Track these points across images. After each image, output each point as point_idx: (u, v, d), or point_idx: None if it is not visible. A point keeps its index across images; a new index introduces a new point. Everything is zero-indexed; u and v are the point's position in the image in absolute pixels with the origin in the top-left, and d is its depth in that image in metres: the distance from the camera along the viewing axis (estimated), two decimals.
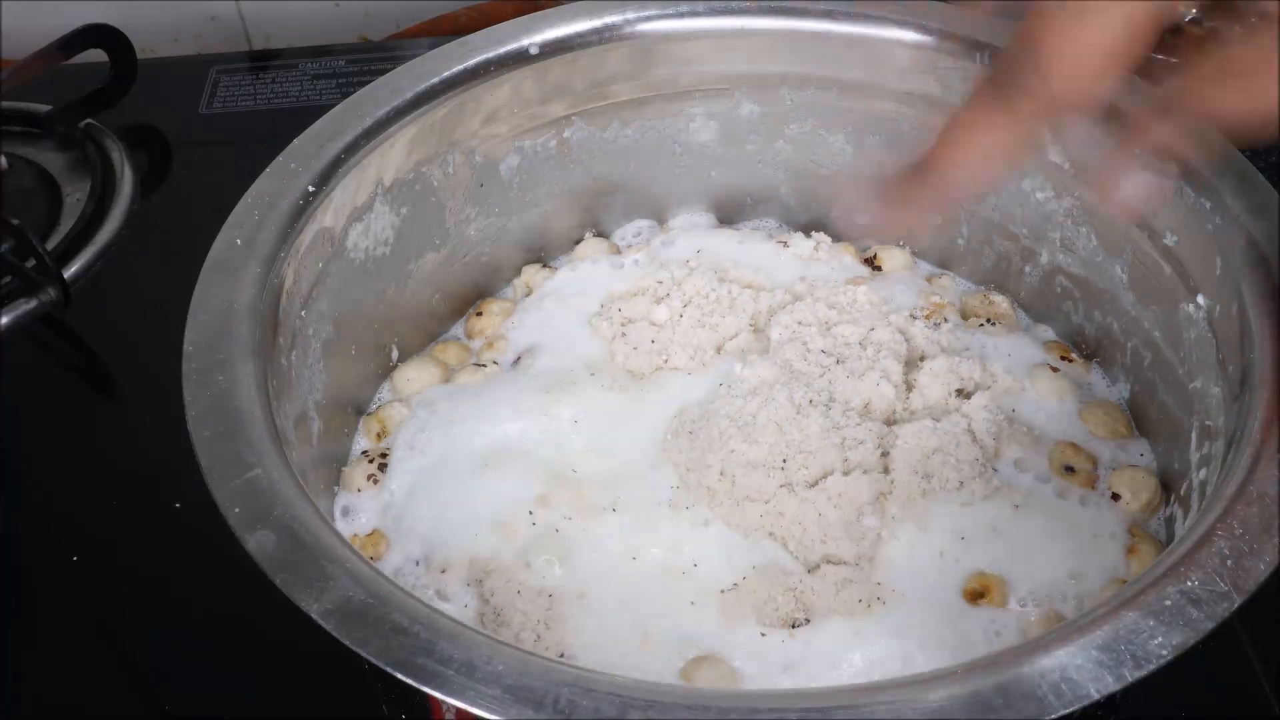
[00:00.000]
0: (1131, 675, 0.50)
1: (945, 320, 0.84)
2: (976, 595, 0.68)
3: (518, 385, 0.80)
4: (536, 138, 0.87)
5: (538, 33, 0.83)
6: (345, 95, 0.79)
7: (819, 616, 0.68)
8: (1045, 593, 0.69)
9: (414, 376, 0.83)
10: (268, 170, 0.74)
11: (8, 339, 0.91)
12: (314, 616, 0.53)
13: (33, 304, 0.92)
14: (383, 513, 0.75)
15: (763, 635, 0.67)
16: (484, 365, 0.84)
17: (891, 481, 0.73)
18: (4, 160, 1.08)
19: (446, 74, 0.80)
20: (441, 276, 0.87)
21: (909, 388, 0.79)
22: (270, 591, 0.54)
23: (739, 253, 0.89)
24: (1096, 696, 0.49)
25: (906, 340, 0.81)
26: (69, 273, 0.98)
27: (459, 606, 0.69)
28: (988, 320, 0.86)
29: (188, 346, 0.65)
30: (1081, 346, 0.85)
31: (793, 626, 0.68)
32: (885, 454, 0.75)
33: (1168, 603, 0.52)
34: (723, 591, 0.69)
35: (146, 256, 1.03)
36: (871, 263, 0.91)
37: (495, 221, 0.89)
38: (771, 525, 0.72)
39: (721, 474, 0.73)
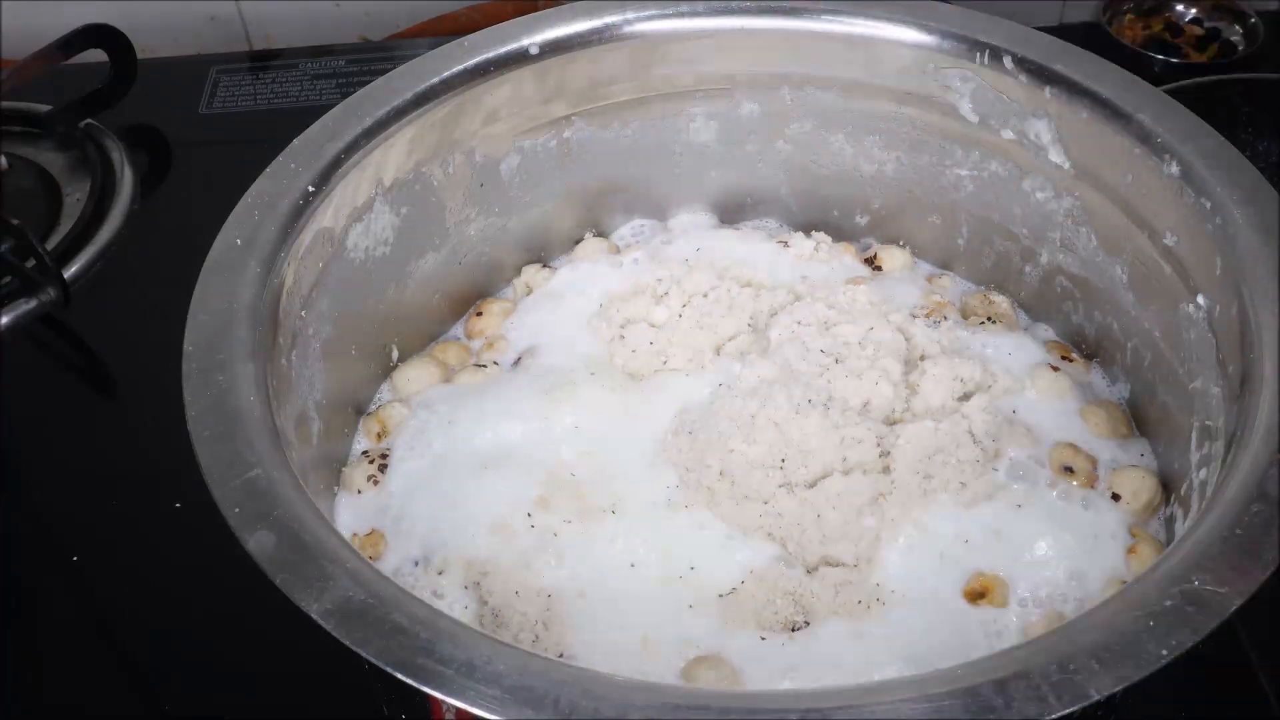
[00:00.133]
0: (1132, 675, 0.50)
1: (945, 319, 0.84)
2: (977, 595, 0.68)
3: (518, 386, 0.80)
4: (536, 138, 0.87)
5: (538, 33, 0.83)
6: (345, 95, 0.79)
7: (818, 619, 0.68)
8: (1045, 593, 0.69)
9: (414, 376, 0.83)
10: (268, 170, 0.74)
11: (8, 339, 0.91)
12: (314, 616, 0.53)
13: (33, 304, 0.92)
14: (382, 513, 0.75)
15: (762, 639, 0.67)
16: (484, 365, 0.84)
17: (892, 482, 0.73)
18: (4, 160, 1.08)
19: (446, 74, 0.80)
20: (441, 276, 0.87)
21: (910, 389, 0.79)
22: (270, 591, 0.54)
23: (739, 252, 0.89)
24: (1096, 696, 0.49)
25: (906, 340, 0.81)
26: (69, 273, 0.98)
27: (458, 608, 0.69)
28: (988, 319, 0.86)
29: (188, 346, 0.65)
30: (1081, 346, 0.85)
31: (792, 630, 0.68)
32: (885, 454, 0.75)
33: (1168, 603, 0.52)
34: (721, 596, 0.69)
35: (146, 256, 1.03)
36: (871, 263, 0.91)
37: (495, 221, 0.89)
38: (770, 525, 0.72)
39: (721, 474, 0.73)
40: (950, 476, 0.73)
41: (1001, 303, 0.88)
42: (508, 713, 0.49)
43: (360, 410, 0.82)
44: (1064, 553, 0.70)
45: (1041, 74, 0.78)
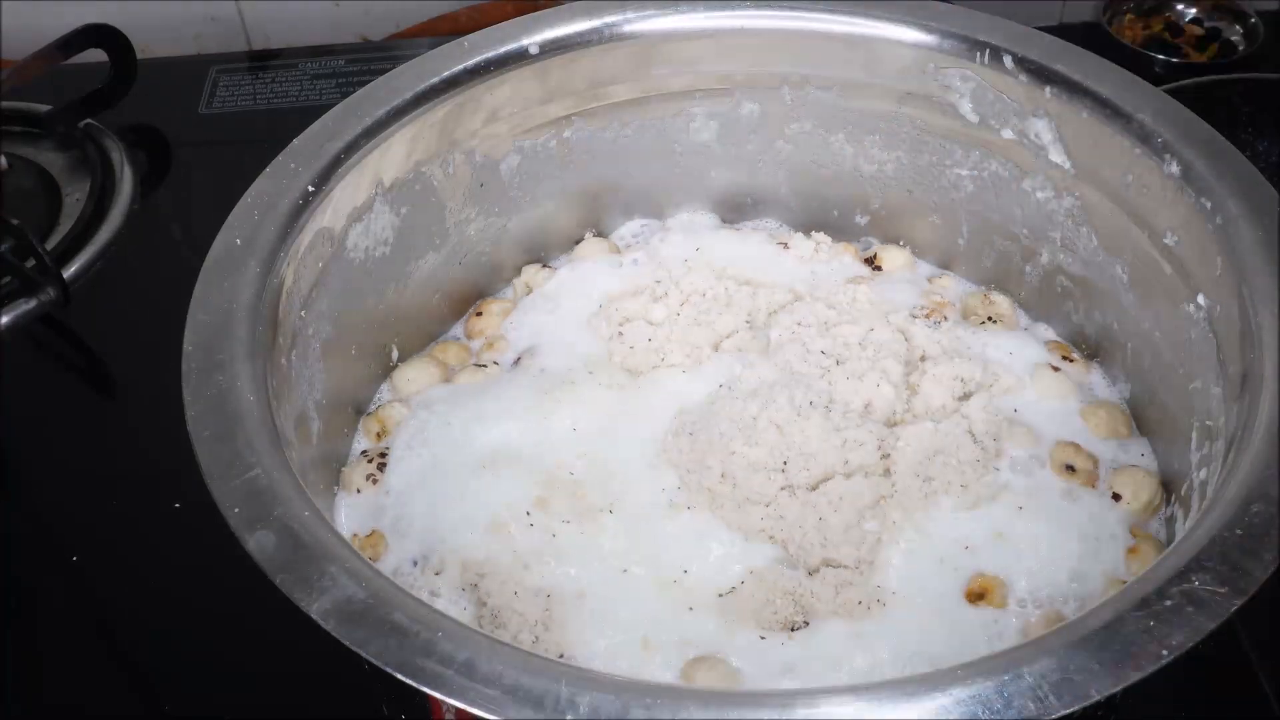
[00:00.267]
0: (1132, 675, 0.50)
1: (946, 319, 0.84)
2: (977, 596, 0.68)
3: (517, 386, 0.80)
4: (536, 138, 0.87)
5: (538, 33, 0.83)
6: (345, 95, 0.79)
7: (818, 619, 0.68)
8: (1046, 593, 0.69)
9: (414, 376, 0.83)
10: (268, 170, 0.74)
11: (8, 339, 0.91)
12: (314, 616, 0.53)
13: (32, 304, 0.92)
14: (381, 513, 0.75)
15: (762, 638, 0.67)
16: (484, 365, 0.84)
17: (893, 485, 0.73)
18: (4, 160, 1.08)
19: (446, 74, 0.80)
20: (441, 276, 0.87)
21: (911, 391, 0.79)
22: (270, 591, 0.54)
23: (738, 251, 0.89)
24: (1096, 697, 0.49)
25: (907, 340, 0.81)
26: (69, 273, 0.98)
27: (457, 609, 0.69)
28: (989, 320, 0.86)
29: (188, 346, 0.65)
30: (1082, 346, 0.85)
31: (791, 630, 0.68)
32: (886, 456, 0.75)
33: (1168, 603, 0.52)
34: (721, 595, 0.69)
35: (146, 256, 1.03)
36: (871, 263, 0.91)
37: (495, 221, 0.89)
38: (772, 528, 0.72)
39: (722, 476, 0.73)
40: (951, 478, 0.73)
41: (1002, 303, 0.88)
42: (508, 713, 0.49)
43: (360, 410, 0.82)
44: (1064, 553, 0.70)
45: (1041, 74, 0.78)
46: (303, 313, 0.73)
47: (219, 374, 0.63)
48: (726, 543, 0.71)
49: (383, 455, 0.77)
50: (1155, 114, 0.74)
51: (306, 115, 0.78)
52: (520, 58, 0.82)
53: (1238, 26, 1.22)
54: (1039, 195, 0.83)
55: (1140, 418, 0.80)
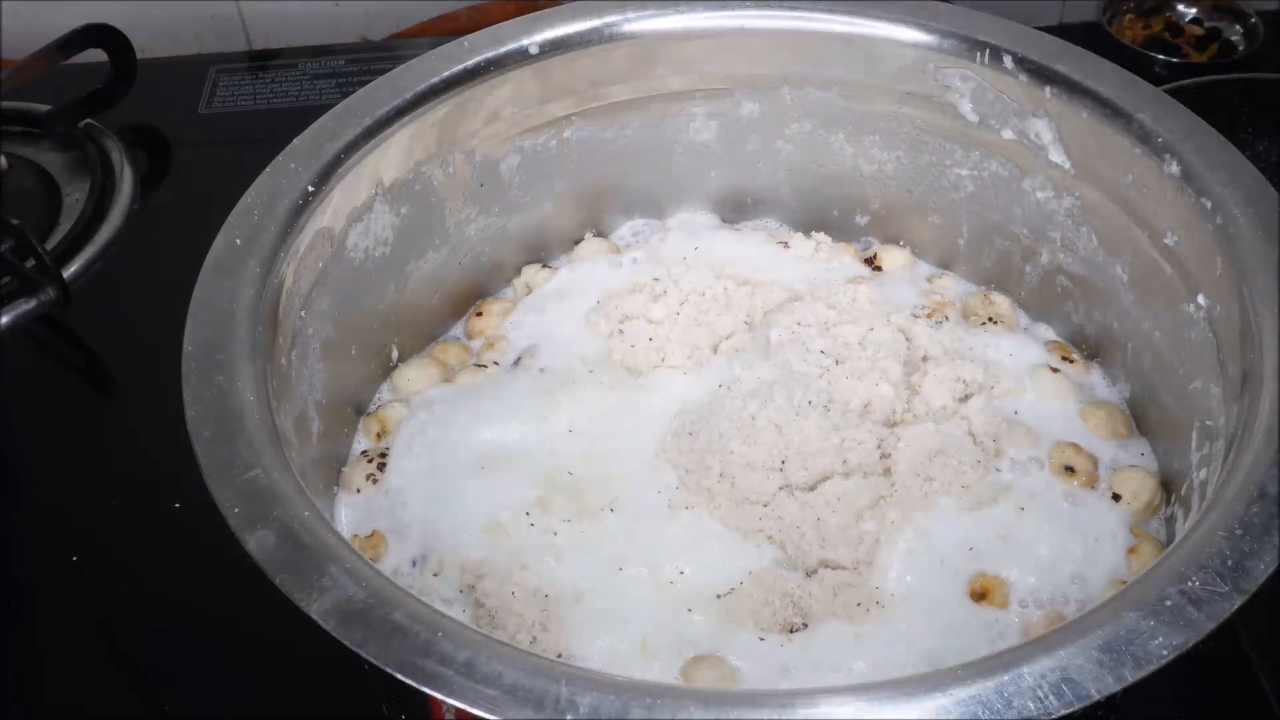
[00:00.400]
0: (1132, 675, 0.50)
1: (947, 319, 0.84)
2: (978, 597, 0.68)
3: (517, 386, 0.80)
4: (536, 138, 0.87)
5: (538, 33, 0.83)
6: (345, 95, 0.79)
7: (817, 621, 0.68)
8: (1046, 593, 0.69)
9: (414, 376, 0.83)
10: (268, 170, 0.74)
11: (8, 339, 0.91)
12: (314, 616, 0.53)
13: (32, 304, 0.92)
14: (380, 513, 0.75)
15: (761, 639, 0.67)
16: (484, 365, 0.84)
17: (892, 485, 0.73)
18: (4, 160, 1.08)
19: (446, 74, 0.80)
20: (441, 276, 0.87)
21: (912, 390, 0.79)
22: (270, 591, 0.54)
23: (738, 251, 0.89)
24: (1096, 696, 0.49)
25: (908, 340, 0.81)
26: (69, 273, 0.98)
27: (455, 609, 0.69)
28: (989, 320, 0.86)
29: (188, 346, 0.65)
30: (1082, 346, 0.85)
31: (790, 631, 0.67)
32: (886, 456, 0.74)
33: (1168, 603, 0.52)
34: (720, 596, 0.69)
35: (146, 256, 1.03)
36: (871, 263, 0.91)
37: (495, 221, 0.89)
38: (770, 528, 0.71)
39: (721, 475, 0.73)
40: (951, 479, 0.73)
41: (1002, 303, 0.88)
42: (508, 713, 0.49)
43: (360, 410, 0.82)
44: (1064, 553, 0.70)
45: (1041, 74, 0.78)
46: (303, 313, 0.73)
47: (219, 374, 0.63)
48: (725, 543, 0.71)
49: (383, 455, 0.77)
50: (1155, 114, 0.74)
51: (306, 115, 0.78)
52: (520, 58, 0.82)
53: (1238, 26, 1.22)
54: (1039, 195, 0.83)
55: (1140, 418, 0.80)
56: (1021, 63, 0.79)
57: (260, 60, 1.26)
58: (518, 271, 0.92)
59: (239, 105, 1.20)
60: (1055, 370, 0.81)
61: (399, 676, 0.51)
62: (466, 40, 0.82)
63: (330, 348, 0.76)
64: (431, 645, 0.52)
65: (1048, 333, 0.87)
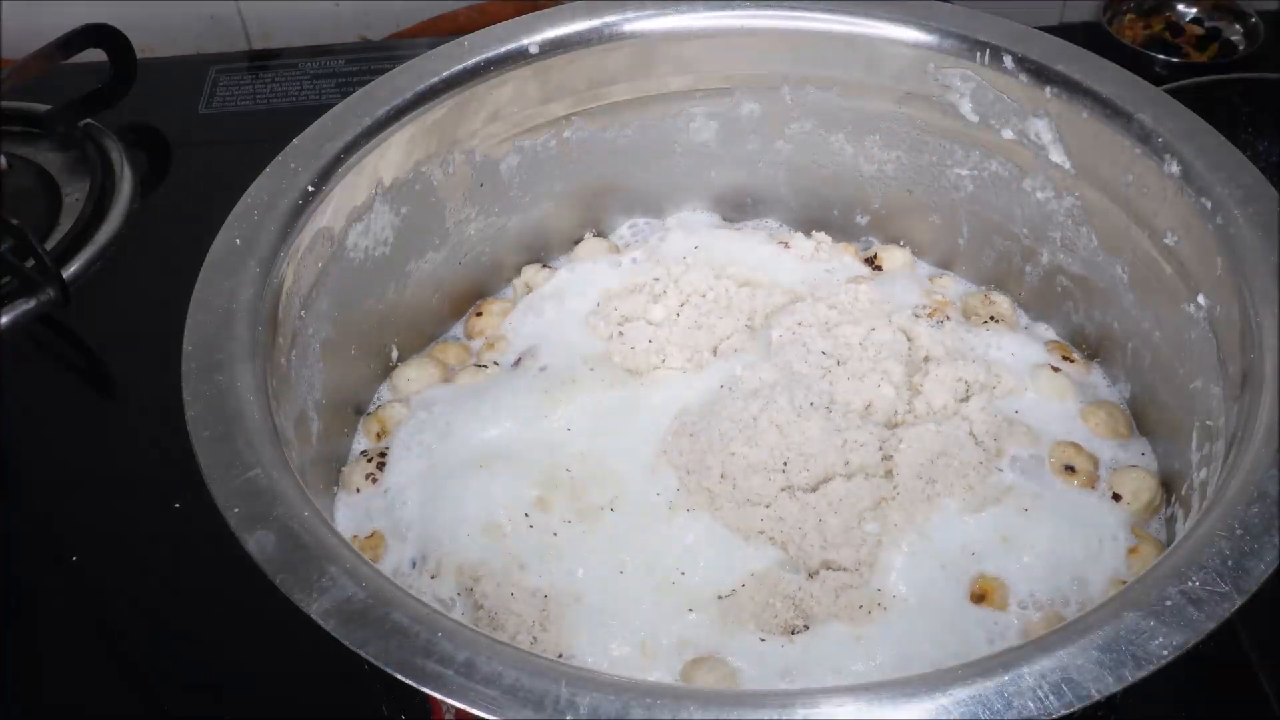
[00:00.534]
0: (1132, 675, 0.50)
1: (948, 319, 0.84)
2: (978, 598, 0.68)
3: (517, 386, 0.80)
4: (536, 138, 0.87)
5: (538, 32, 0.83)
6: (345, 95, 0.79)
7: (818, 622, 0.68)
8: (1046, 594, 0.69)
9: (414, 376, 0.83)
10: (268, 170, 0.74)
11: (7, 339, 0.91)
12: (314, 616, 0.53)
13: (32, 304, 0.92)
14: (379, 513, 0.75)
15: (762, 640, 0.67)
16: (484, 365, 0.84)
17: (894, 487, 0.73)
18: (4, 160, 1.08)
19: (446, 74, 0.80)
20: (441, 276, 0.87)
21: (914, 391, 0.78)
22: (270, 591, 0.54)
23: (738, 251, 0.89)
24: (1097, 696, 0.49)
25: (909, 340, 0.81)
26: (68, 273, 0.98)
27: (455, 610, 0.69)
28: (990, 319, 0.86)
29: (187, 346, 0.65)
30: (1082, 346, 0.85)
31: (791, 633, 0.67)
32: (888, 458, 0.74)
33: (1168, 603, 0.52)
34: (720, 597, 0.69)
35: (146, 256, 1.03)
36: (872, 263, 0.91)
37: (495, 221, 0.89)
38: (772, 530, 0.71)
39: (722, 476, 0.73)
40: (953, 481, 0.73)
41: (1002, 303, 0.88)
42: (508, 713, 0.49)
43: (360, 410, 0.82)
44: (1065, 554, 0.70)
45: (1042, 74, 0.78)
46: (303, 313, 0.73)
47: (219, 374, 0.63)
48: (726, 544, 0.71)
49: (382, 455, 0.77)
50: (1155, 114, 0.74)
51: (306, 115, 0.78)
52: (520, 57, 0.82)
53: (1238, 26, 1.22)
54: (1039, 195, 0.83)
55: (1140, 418, 0.80)
56: (1021, 63, 0.79)
57: (260, 60, 1.26)
58: (518, 271, 0.92)
59: (239, 105, 1.20)
60: (1056, 370, 0.81)
61: (399, 676, 0.51)
62: (466, 40, 0.82)
63: (330, 348, 0.76)
64: (431, 645, 0.52)
65: (1048, 332, 0.87)
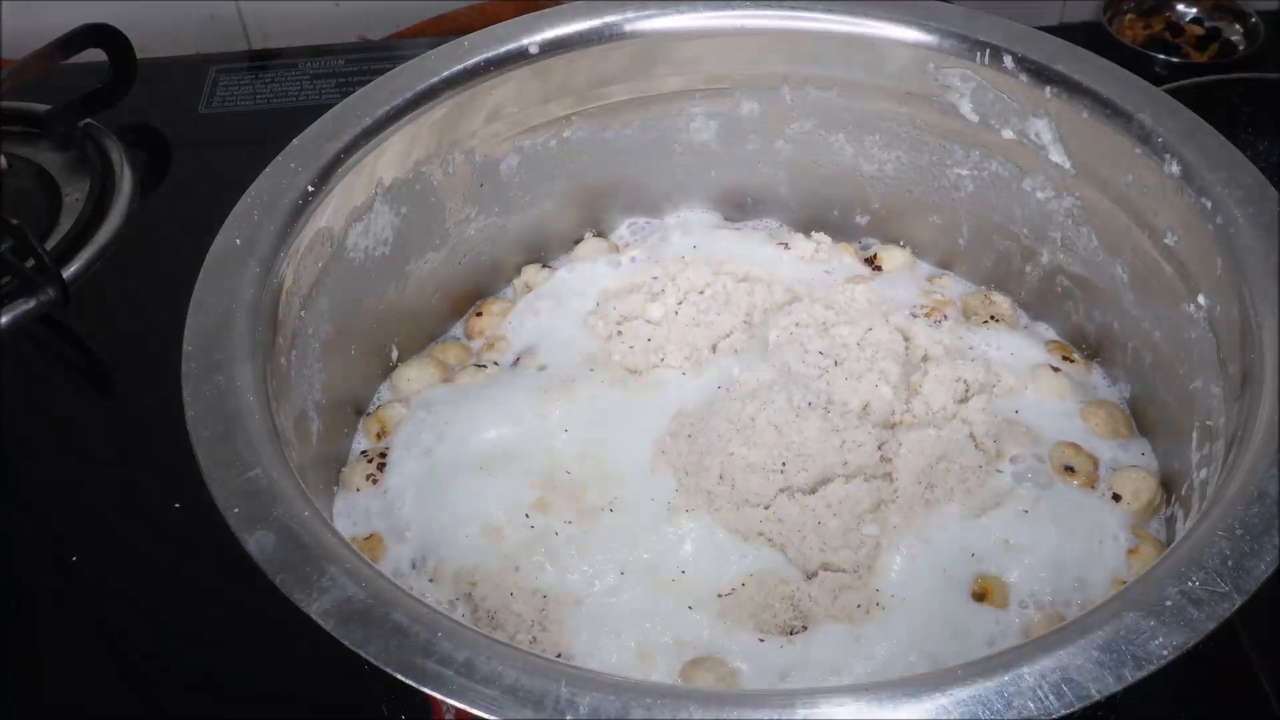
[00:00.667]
0: (1132, 675, 0.50)
1: (946, 319, 0.84)
2: (978, 597, 0.68)
3: (516, 386, 0.80)
4: (536, 137, 0.87)
5: (538, 32, 0.83)
6: (345, 95, 0.79)
7: (816, 623, 0.68)
8: (1047, 594, 0.69)
9: (414, 376, 0.83)
10: (267, 170, 0.74)
11: (7, 339, 0.91)
12: (314, 616, 0.53)
13: (32, 304, 0.92)
14: (379, 513, 0.75)
15: (761, 641, 0.67)
16: (484, 365, 0.84)
17: (895, 490, 0.73)
18: (4, 160, 1.08)
19: (446, 74, 0.80)
20: (441, 276, 0.87)
21: (912, 391, 0.78)
22: (270, 591, 0.54)
23: (738, 251, 0.89)
24: (1097, 696, 0.49)
25: (907, 340, 0.81)
26: (68, 272, 0.98)
27: (455, 610, 0.69)
28: (990, 319, 0.86)
29: (187, 346, 0.64)
30: (1082, 346, 0.85)
31: (790, 634, 0.67)
32: (887, 459, 0.74)
33: (1168, 603, 0.52)
34: (720, 596, 0.69)
35: (146, 256, 1.03)
36: (871, 263, 0.91)
37: (495, 221, 0.89)
38: (771, 531, 0.71)
39: (721, 477, 0.73)
40: (954, 485, 0.73)
41: (1002, 302, 0.88)
42: (507, 713, 0.49)
43: (360, 410, 0.82)
44: (1065, 554, 0.70)
45: (1042, 74, 0.78)
46: (303, 313, 0.73)
47: (219, 374, 0.63)
48: (725, 545, 0.71)
49: (382, 455, 0.77)
50: (1155, 114, 0.74)
51: (306, 115, 0.78)
52: (520, 57, 0.82)
53: (1238, 26, 1.22)
54: (1039, 195, 0.83)
55: (1140, 418, 0.80)
56: (1021, 63, 0.79)
57: (260, 60, 1.26)
58: (518, 271, 0.92)
59: (239, 105, 1.20)
60: (1055, 370, 0.81)
61: (399, 676, 0.51)
62: (466, 40, 0.82)
63: (330, 348, 0.76)
64: (431, 645, 0.52)
65: (1048, 332, 0.87)
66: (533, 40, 0.82)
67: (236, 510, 0.57)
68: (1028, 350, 0.83)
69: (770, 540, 0.71)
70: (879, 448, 0.75)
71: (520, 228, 0.91)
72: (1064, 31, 0.81)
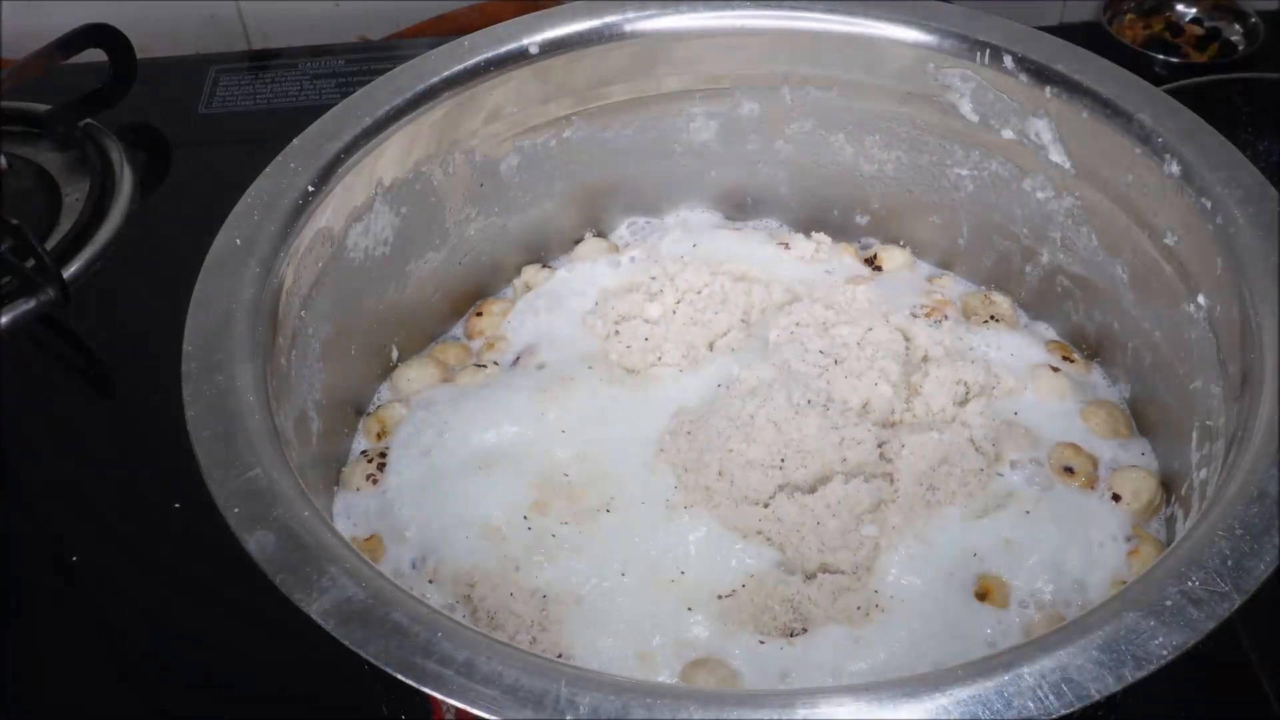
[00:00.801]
0: (1132, 675, 0.50)
1: (946, 318, 0.84)
2: (980, 596, 0.68)
3: (516, 386, 0.80)
4: (536, 138, 0.87)
5: (538, 32, 0.83)
6: (345, 95, 0.79)
7: (816, 625, 0.68)
8: (1047, 594, 0.69)
9: (414, 376, 0.83)
10: (267, 170, 0.74)
11: (7, 339, 0.91)
12: (314, 616, 0.53)
13: (32, 304, 0.92)
14: (379, 513, 0.75)
15: (761, 642, 0.67)
16: (484, 365, 0.84)
17: (895, 491, 0.73)
18: (4, 160, 1.08)
19: (446, 74, 0.80)
20: (441, 276, 0.87)
21: (912, 391, 0.78)
22: (270, 591, 0.54)
23: (737, 251, 0.89)
24: (1097, 696, 0.49)
25: (907, 340, 0.81)
26: (68, 273, 0.98)
27: (455, 611, 0.69)
28: (990, 319, 0.86)
29: (188, 346, 0.65)
30: (1082, 346, 0.85)
31: (790, 635, 0.67)
32: (887, 459, 0.74)
33: (1168, 603, 0.52)
34: (720, 598, 0.69)
35: (146, 256, 1.03)
36: (871, 263, 0.91)
37: (495, 221, 0.89)
38: (770, 530, 0.71)
39: (720, 474, 0.73)
40: (955, 489, 0.73)
41: (1002, 302, 0.88)
42: (508, 713, 0.49)
43: (360, 410, 0.82)
44: (1065, 554, 0.70)
45: (1041, 74, 0.78)
46: (303, 313, 0.73)
47: (219, 374, 0.63)
48: (724, 545, 0.71)
49: (382, 455, 0.77)
50: (1155, 114, 0.74)
51: (306, 115, 0.78)
52: (520, 58, 0.82)
53: (1238, 26, 1.22)
54: (1039, 195, 0.83)
55: (1140, 418, 0.80)
56: (1021, 63, 0.79)
57: (260, 60, 1.26)
58: (518, 271, 0.92)
59: (239, 105, 1.20)
60: (1055, 370, 0.81)
61: (399, 676, 0.51)
62: (466, 40, 0.82)
63: (330, 348, 0.76)
64: (431, 645, 0.52)
65: (1048, 332, 0.87)
66: (533, 40, 0.82)
67: (236, 510, 0.57)
68: (1028, 350, 0.83)
69: (769, 539, 0.71)
70: (879, 446, 0.75)
71: (520, 228, 0.91)
72: (1064, 31, 0.81)
